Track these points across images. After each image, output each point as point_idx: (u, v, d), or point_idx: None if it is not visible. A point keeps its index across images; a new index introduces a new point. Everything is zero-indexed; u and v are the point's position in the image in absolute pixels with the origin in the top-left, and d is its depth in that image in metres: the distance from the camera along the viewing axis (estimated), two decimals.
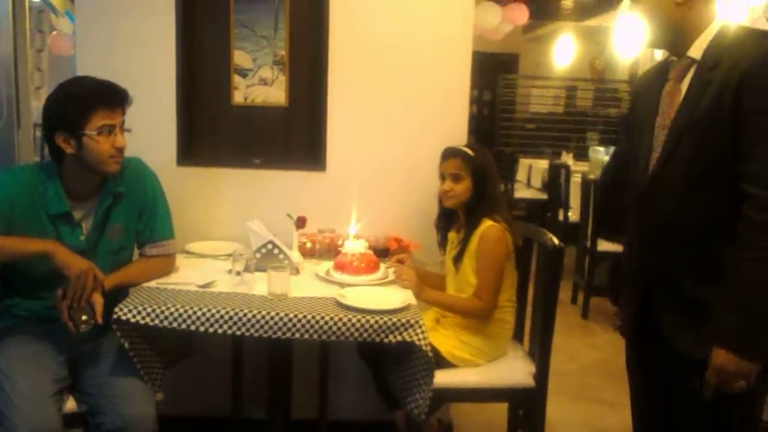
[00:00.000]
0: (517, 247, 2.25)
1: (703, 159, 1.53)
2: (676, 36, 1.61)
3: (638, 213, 1.74)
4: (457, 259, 2.24)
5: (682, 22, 1.59)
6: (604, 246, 4.40)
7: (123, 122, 1.98)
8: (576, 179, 5.49)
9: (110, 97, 1.95)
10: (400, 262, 2.33)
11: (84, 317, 1.83)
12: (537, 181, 7.01)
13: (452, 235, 2.35)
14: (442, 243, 2.41)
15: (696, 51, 1.58)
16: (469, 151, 2.25)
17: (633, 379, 1.87)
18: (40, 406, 1.77)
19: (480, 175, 2.23)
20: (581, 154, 7.05)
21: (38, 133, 4.50)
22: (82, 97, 1.92)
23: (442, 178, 2.28)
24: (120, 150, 1.97)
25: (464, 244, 2.22)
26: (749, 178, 1.45)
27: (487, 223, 2.18)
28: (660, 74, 1.69)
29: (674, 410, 1.69)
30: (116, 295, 1.94)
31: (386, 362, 2.16)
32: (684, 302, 1.60)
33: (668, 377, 1.69)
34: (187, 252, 2.41)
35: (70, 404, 1.91)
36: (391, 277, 2.22)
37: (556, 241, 2.15)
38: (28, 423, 1.72)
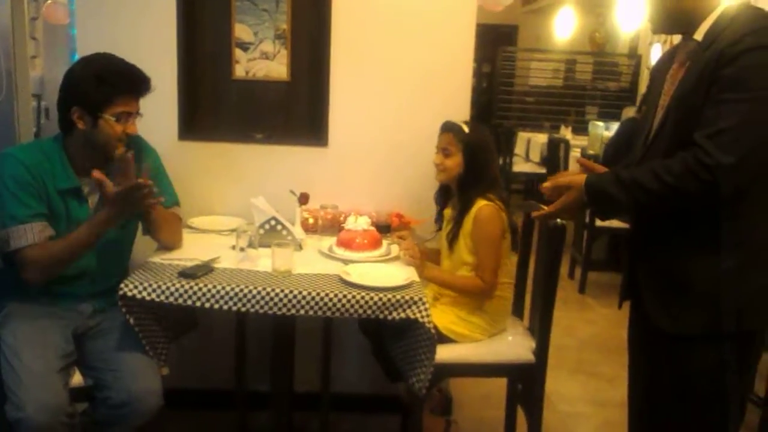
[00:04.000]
0: (512, 226, 2.25)
1: (679, 139, 1.52)
2: (685, 22, 1.59)
3: None
4: (452, 239, 2.24)
5: (693, 8, 1.57)
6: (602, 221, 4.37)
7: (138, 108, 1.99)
8: (575, 154, 5.49)
9: (136, 86, 1.95)
10: (401, 238, 2.33)
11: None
12: (535, 155, 6.98)
13: (447, 212, 2.36)
14: (438, 219, 2.41)
15: (700, 34, 1.56)
16: (464, 127, 2.24)
17: (629, 353, 1.90)
18: (47, 382, 1.78)
19: (472, 152, 2.21)
20: (580, 129, 7.01)
21: (34, 103, 4.47)
22: (109, 81, 1.90)
23: (437, 151, 2.28)
24: (128, 135, 1.97)
25: (458, 224, 2.22)
26: (703, 138, 1.45)
27: (480, 203, 2.18)
28: (671, 57, 1.69)
29: (655, 385, 1.72)
30: (122, 273, 1.94)
31: (387, 335, 2.18)
32: (661, 277, 1.63)
33: (648, 351, 1.74)
34: (190, 227, 2.41)
35: (77, 378, 1.93)
36: (394, 253, 2.23)
37: (558, 220, 2.16)
38: (35, 398, 1.72)
